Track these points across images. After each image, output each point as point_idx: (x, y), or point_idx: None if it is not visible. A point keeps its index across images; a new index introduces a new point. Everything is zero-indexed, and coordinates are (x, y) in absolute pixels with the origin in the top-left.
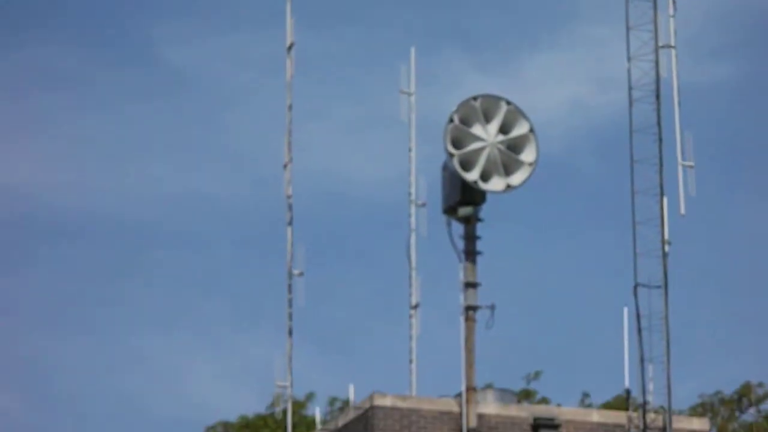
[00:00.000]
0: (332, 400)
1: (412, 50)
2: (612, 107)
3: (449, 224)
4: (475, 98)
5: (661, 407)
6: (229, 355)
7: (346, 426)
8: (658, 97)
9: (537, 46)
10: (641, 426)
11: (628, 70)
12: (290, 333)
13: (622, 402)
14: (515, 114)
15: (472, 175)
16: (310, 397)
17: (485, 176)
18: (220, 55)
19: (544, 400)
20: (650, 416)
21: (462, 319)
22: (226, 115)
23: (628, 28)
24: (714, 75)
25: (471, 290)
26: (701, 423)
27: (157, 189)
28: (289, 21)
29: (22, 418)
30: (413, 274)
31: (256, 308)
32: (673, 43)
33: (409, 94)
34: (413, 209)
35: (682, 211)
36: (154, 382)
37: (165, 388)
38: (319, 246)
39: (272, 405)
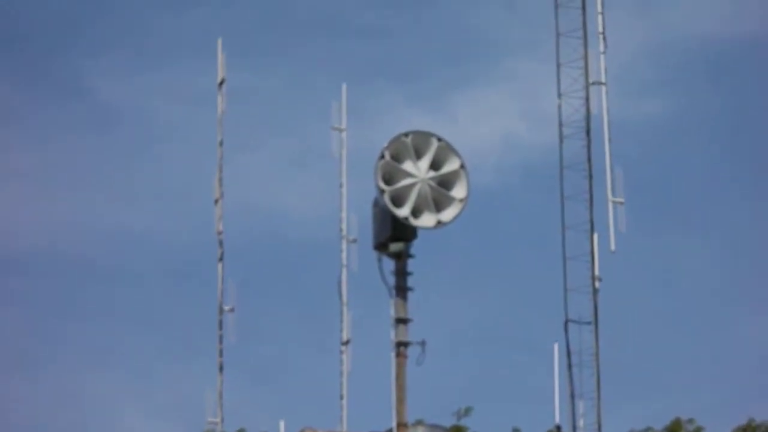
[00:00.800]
0: None
1: (344, 87)
2: (544, 143)
3: (380, 260)
4: (406, 134)
5: None
6: (160, 391)
7: None
8: (588, 133)
9: (470, 81)
10: None
11: (559, 107)
12: (221, 369)
13: None
14: (446, 150)
15: (403, 211)
16: None
17: (416, 212)
18: (152, 90)
19: None
20: None
21: (393, 355)
22: (157, 149)
23: (558, 65)
24: (644, 111)
25: (402, 326)
26: None
27: (87, 224)
28: (220, 57)
29: None
30: (344, 309)
31: (188, 344)
32: (603, 80)
33: (341, 130)
34: (344, 245)
35: (613, 247)
36: (83, 418)
37: (95, 426)
38: (250, 281)
39: None
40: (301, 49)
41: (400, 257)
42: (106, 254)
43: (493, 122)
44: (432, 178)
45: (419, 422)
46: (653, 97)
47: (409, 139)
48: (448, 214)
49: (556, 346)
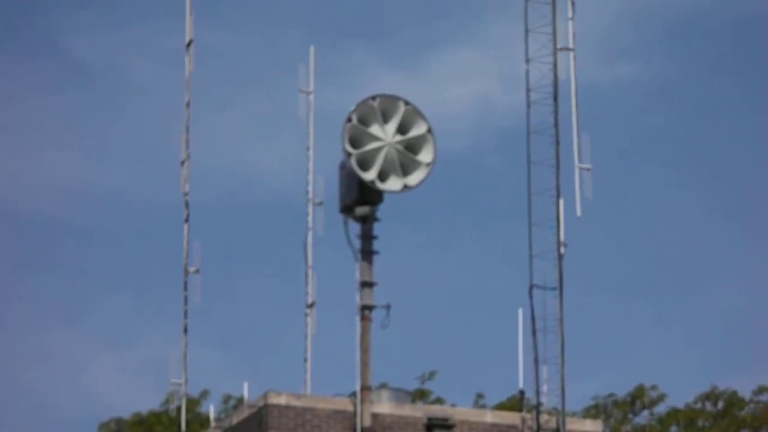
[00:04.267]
0: (226, 398)
1: (311, 49)
2: (516, 106)
3: (346, 223)
4: (373, 98)
5: (555, 409)
6: (127, 351)
7: (240, 424)
8: (555, 99)
9: (444, 43)
10: (535, 427)
11: (527, 72)
12: (185, 330)
13: (516, 403)
14: (413, 114)
15: (370, 175)
16: (204, 394)
17: (383, 176)
18: (124, 47)
19: (439, 401)
20: (544, 417)
21: (357, 318)
22: (128, 108)
23: (526, 30)
24: (612, 77)
25: (367, 290)
26: (594, 425)
27: (57, 182)
28: (188, 18)
29: None
30: (309, 272)
31: (156, 304)
32: (571, 46)
33: (308, 93)
34: (311, 208)
35: (579, 213)
36: (53, 376)
37: (65, 384)
38: (217, 243)
39: (166, 402)
40: (271, 9)
41: (366, 221)
42: (77, 213)
43: (468, 84)
44: (399, 142)
45: (383, 386)
46: (622, 63)
47: (376, 103)
48: (414, 178)
49: (520, 312)
